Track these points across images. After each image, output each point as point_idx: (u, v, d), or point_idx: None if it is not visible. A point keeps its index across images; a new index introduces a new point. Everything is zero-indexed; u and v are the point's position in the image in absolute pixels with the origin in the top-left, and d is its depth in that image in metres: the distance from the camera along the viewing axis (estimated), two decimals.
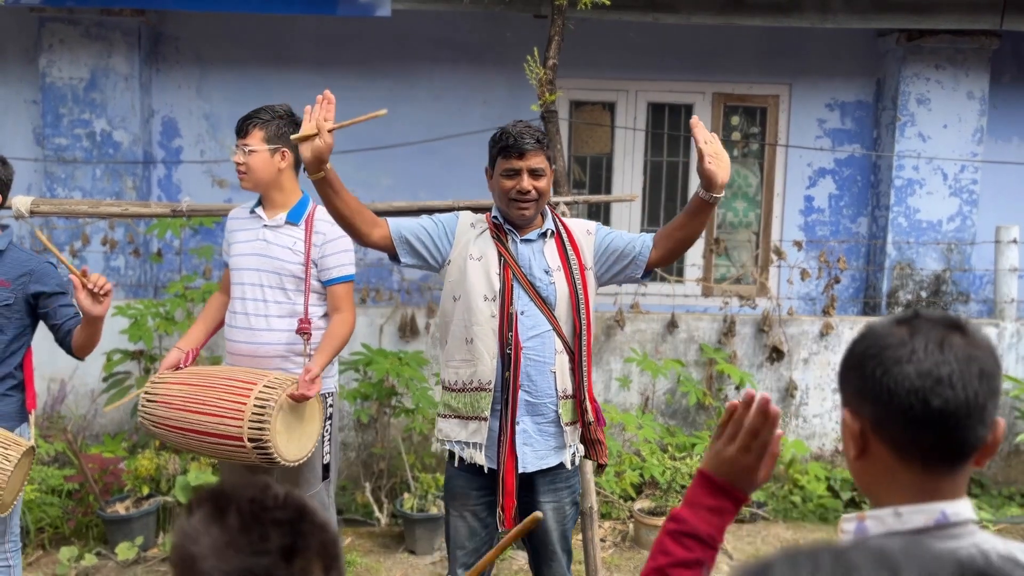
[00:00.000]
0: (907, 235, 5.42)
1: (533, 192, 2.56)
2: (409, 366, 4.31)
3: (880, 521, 1.11)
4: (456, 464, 2.64)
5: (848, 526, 1.15)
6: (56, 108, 5.13)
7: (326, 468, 3.00)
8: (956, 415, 1.08)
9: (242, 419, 2.62)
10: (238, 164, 2.95)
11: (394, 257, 2.59)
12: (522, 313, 2.56)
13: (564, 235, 2.67)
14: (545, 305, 2.58)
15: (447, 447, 2.66)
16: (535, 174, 2.57)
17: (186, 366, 2.99)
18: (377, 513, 4.36)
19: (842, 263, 5.23)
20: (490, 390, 2.56)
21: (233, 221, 3.10)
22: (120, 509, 3.93)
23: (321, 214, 2.98)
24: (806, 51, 5.51)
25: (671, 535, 1.22)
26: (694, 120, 2.45)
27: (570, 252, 2.64)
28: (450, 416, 2.65)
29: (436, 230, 2.63)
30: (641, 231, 5.53)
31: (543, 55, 3.94)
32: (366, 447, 4.77)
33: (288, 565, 0.91)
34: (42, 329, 2.88)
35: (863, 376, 1.11)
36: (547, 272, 2.61)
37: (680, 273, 5.62)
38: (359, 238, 2.54)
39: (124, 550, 3.76)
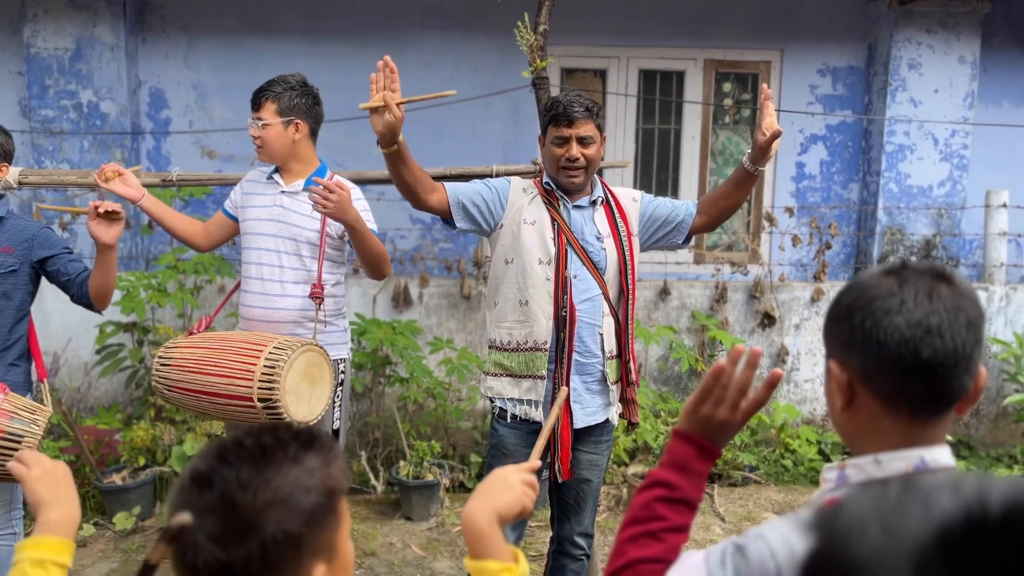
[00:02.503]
0: (898, 200, 5.44)
1: (582, 159, 2.62)
2: (403, 335, 4.32)
3: (860, 469, 1.12)
4: (508, 420, 2.71)
5: (830, 475, 1.16)
6: (42, 79, 5.08)
7: (336, 433, 3.02)
8: (945, 364, 1.08)
9: (252, 379, 2.64)
10: (254, 137, 2.94)
11: (447, 221, 2.66)
12: (575, 277, 2.64)
13: (612, 203, 2.75)
14: (596, 269, 2.66)
15: (497, 404, 2.72)
16: (584, 142, 2.63)
17: (199, 332, 2.99)
18: (373, 481, 4.40)
19: (833, 229, 5.25)
20: (545, 350, 2.64)
21: (249, 183, 3.10)
22: (117, 480, 3.95)
23: (338, 181, 2.96)
24: (798, 17, 5.49)
25: (663, 501, 1.22)
26: (767, 93, 2.53)
27: (619, 219, 2.72)
28: (502, 375, 2.72)
29: (490, 195, 2.69)
30: None
31: (534, 21, 3.90)
32: (361, 416, 4.80)
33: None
34: (37, 303, 2.88)
35: (851, 327, 1.11)
36: (598, 238, 2.68)
37: None
38: (418, 203, 2.61)
39: (122, 520, 3.79)
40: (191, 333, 2.98)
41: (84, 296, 2.79)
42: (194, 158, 5.38)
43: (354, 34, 5.34)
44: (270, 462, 0.96)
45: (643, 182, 5.64)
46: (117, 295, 4.31)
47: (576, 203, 2.70)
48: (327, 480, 0.98)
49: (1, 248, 2.75)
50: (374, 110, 2.34)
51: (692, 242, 2.96)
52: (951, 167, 5.44)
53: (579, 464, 2.75)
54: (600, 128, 2.69)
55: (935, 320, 1.08)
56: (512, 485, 1.28)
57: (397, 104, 2.32)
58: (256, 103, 2.95)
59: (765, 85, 2.57)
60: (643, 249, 2.82)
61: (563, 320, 2.61)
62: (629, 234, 2.73)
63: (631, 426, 2.89)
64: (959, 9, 5.25)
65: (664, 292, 5.08)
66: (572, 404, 2.67)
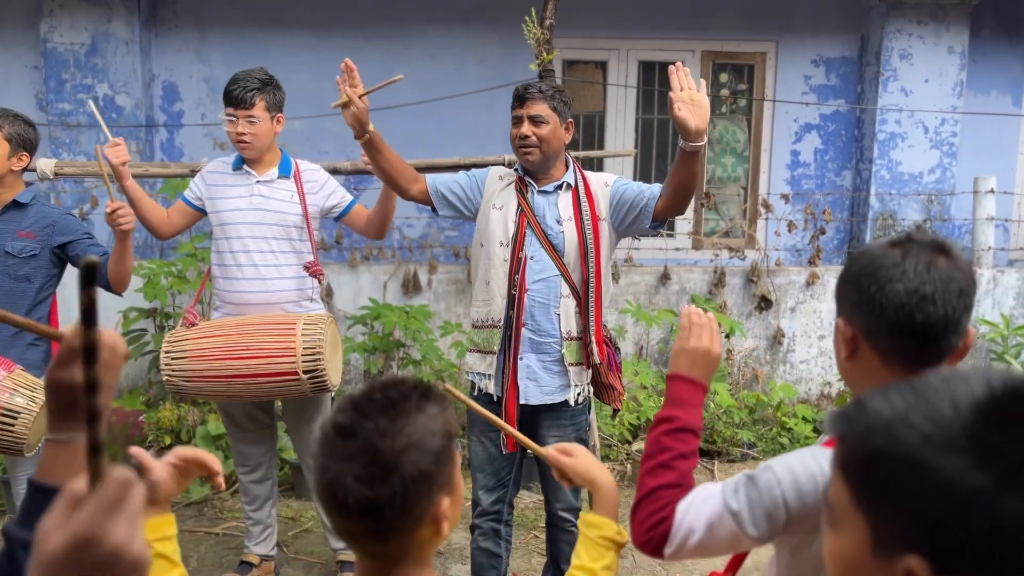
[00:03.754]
0: (889, 187, 5.62)
1: (533, 138, 2.72)
2: (415, 319, 4.49)
3: None
4: (475, 393, 2.87)
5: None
6: (58, 73, 5.21)
7: (334, 400, 3.22)
8: (935, 327, 1.26)
9: (294, 355, 2.84)
10: (241, 134, 3.05)
11: (434, 210, 2.84)
12: (531, 258, 2.76)
13: (582, 187, 2.83)
14: (555, 252, 2.77)
15: (470, 378, 2.90)
16: (535, 121, 2.73)
17: (197, 323, 3.12)
18: None
19: (827, 215, 5.43)
20: (500, 327, 2.78)
21: (215, 175, 3.22)
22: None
23: (304, 166, 3.23)
24: (792, 9, 5.65)
25: (667, 434, 1.40)
26: (675, 66, 2.42)
27: (584, 203, 2.80)
28: (474, 350, 2.89)
29: (469, 183, 2.85)
30: None
31: (540, 16, 4.06)
32: None
33: None
34: (60, 290, 3.04)
35: (859, 291, 1.29)
36: (558, 221, 2.78)
37: (671, 227, 5.80)
38: (401, 192, 2.79)
39: None
40: (189, 325, 3.10)
41: (103, 279, 2.94)
42: (206, 149, 5.52)
43: (360, 28, 5.49)
44: (401, 412, 1.11)
45: (643, 171, 5.81)
46: (139, 282, 4.47)
47: (542, 188, 2.81)
48: (446, 425, 1.14)
49: (24, 233, 2.92)
50: (344, 106, 2.56)
51: (663, 228, 3.00)
52: (941, 154, 5.62)
53: (547, 444, 2.83)
54: (557, 111, 2.76)
55: (929, 288, 1.26)
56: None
57: (360, 96, 2.54)
58: (247, 101, 3.05)
59: (679, 63, 2.45)
60: (619, 235, 2.87)
61: (513, 298, 2.74)
62: (595, 218, 2.79)
63: (614, 412, 2.99)
64: (948, 1, 5.42)
65: (664, 277, 5.25)
66: (525, 381, 2.78)
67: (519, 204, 2.79)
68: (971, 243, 5.54)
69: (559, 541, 2.98)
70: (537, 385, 2.80)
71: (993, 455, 0.72)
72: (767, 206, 5.30)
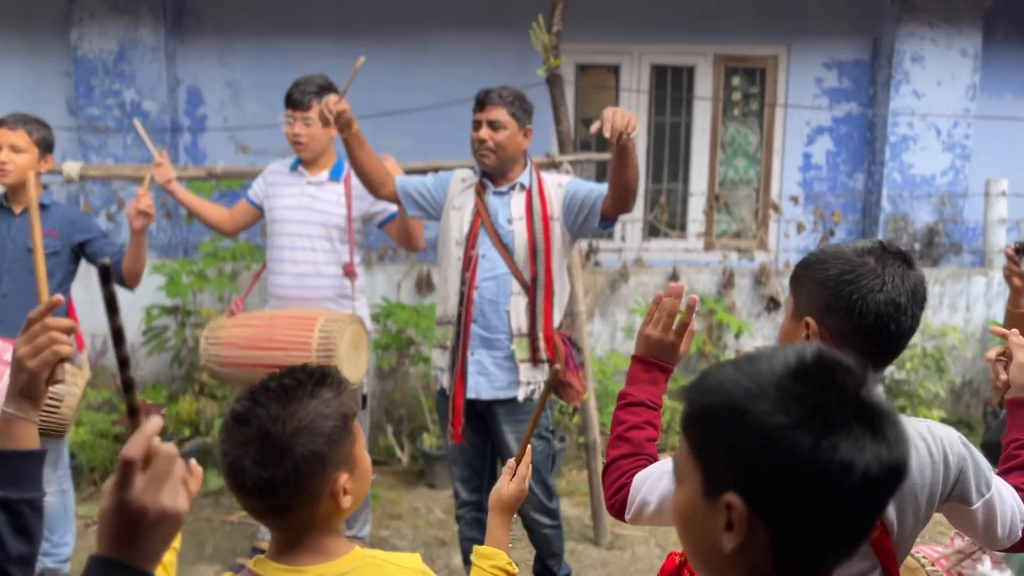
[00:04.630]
0: (901, 189, 5.64)
1: (489, 142, 2.84)
2: (426, 317, 4.61)
3: None
4: (439, 388, 3.01)
5: None
6: (88, 79, 5.41)
7: (365, 398, 3.35)
8: (903, 336, 1.39)
9: (310, 349, 2.99)
10: (297, 135, 3.24)
11: (404, 210, 3.01)
12: (483, 256, 2.87)
13: (536, 188, 2.91)
14: (506, 251, 2.87)
15: (435, 374, 3.04)
16: (493, 125, 2.85)
17: (239, 313, 3.32)
18: (399, 453, 4.70)
19: (836, 217, 5.48)
20: (452, 324, 2.90)
21: (274, 175, 3.46)
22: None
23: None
24: (804, 13, 5.70)
25: (621, 408, 1.54)
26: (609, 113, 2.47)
27: (536, 204, 2.89)
28: (437, 347, 3.04)
29: (434, 184, 3.00)
30: (645, 190, 5.78)
31: (548, 22, 4.17)
32: (387, 394, 5.10)
33: None
34: (85, 291, 3.22)
35: (837, 295, 1.37)
36: (509, 221, 2.89)
37: (682, 228, 5.87)
38: (373, 189, 2.96)
39: None
40: (231, 314, 3.30)
41: (117, 274, 3.13)
42: (228, 152, 5.69)
43: (379, 34, 5.62)
44: (292, 399, 1.22)
45: (655, 173, 5.89)
46: (161, 280, 4.64)
47: (497, 189, 2.93)
48: (340, 407, 1.25)
49: (47, 231, 3.10)
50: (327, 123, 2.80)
51: (612, 228, 3.08)
52: (953, 157, 5.63)
53: (506, 442, 2.90)
54: (516, 117, 2.86)
55: (903, 300, 1.37)
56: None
57: (339, 97, 2.78)
58: (303, 104, 3.25)
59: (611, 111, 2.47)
60: (573, 235, 2.95)
61: (462, 295, 2.85)
62: (546, 217, 2.87)
63: (574, 411, 3.09)
64: (961, 4, 5.44)
65: (673, 278, 5.33)
66: (476, 376, 2.87)
67: (475, 204, 2.90)
68: (983, 245, 5.56)
69: (537, 538, 3.08)
70: (488, 380, 2.88)
71: (793, 400, 0.85)
72: (776, 208, 5.35)
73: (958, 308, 5.40)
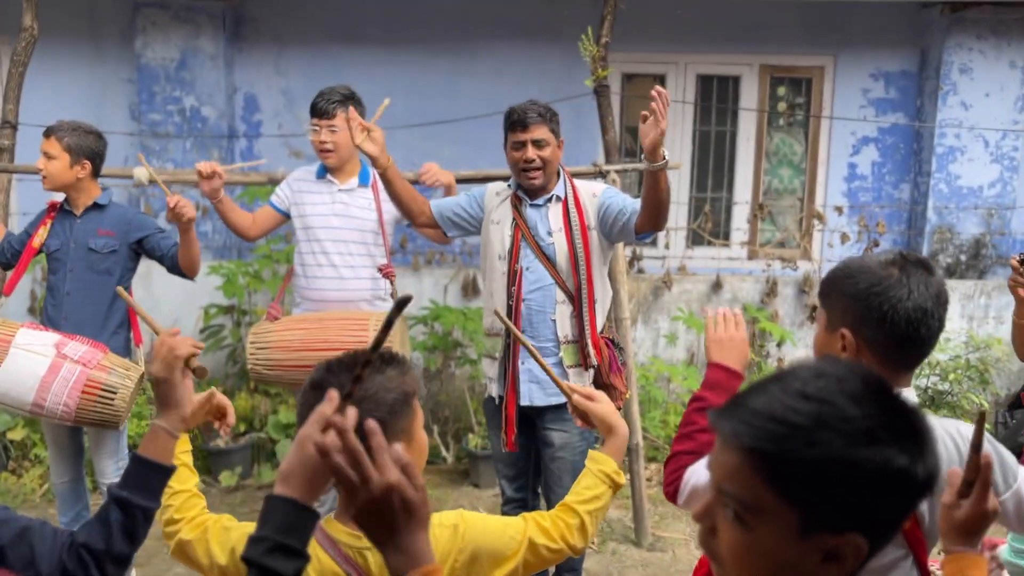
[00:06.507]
0: (948, 200, 5.63)
1: (537, 160, 2.92)
2: (473, 320, 4.73)
3: None
4: (487, 396, 3.13)
5: None
6: (150, 86, 5.62)
7: None
8: (933, 338, 1.48)
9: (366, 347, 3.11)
10: (324, 143, 3.36)
11: (444, 234, 3.09)
12: (527, 269, 2.96)
13: (572, 199, 2.99)
14: (548, 261, 2.96)
15: (485, 382, 3.15)
16: (538, 144, 2.92)
17: (279, 318, 3.43)
18: (444, 453, 4.82)
19: (881, 227, 5.49)
20: (500, 335, 3.01)
21: (300, 183, 3.55)
22: (220, 444, 4.44)
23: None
24: (851, 23, 5.72)
25: (695, 411, 1.65)
26: (656, 92, 2.57)
27: (573, 214, 2.97)
28: (486, 356, 3.14)
29: (469, 203, 3.09)
30: (689, 199, 5.84)
31: (596, 34, 4.26)
32: (433, 395, 5.22)
33: None
34: (145, 290, 3.37)
35: (868, 307, 1.46)
36: (549, 233, 2.97)
37: (726, 237, 5.92)
38: (412, 218, 3.06)
39: (226, 478, 4.28)
40: (273, 318, 3.42)
41: (176, 268, 3.29)
42: (282, 157, 5.86)
43: (429, 43, 5.76)
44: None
45: (699, 183, 5.94)
46: (219, 281, 4.82)
47: (534, 202, 3.00)
48: (403, 385, 1.39)
49: (105, 231, 3.28)
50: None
51: (649, 240, 3.21)
52: (1001, 168, 5.61)
53: (552, 443, 3.00)
54: (554, 132, 2.96)
55: (930, 305, 1.45)
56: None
57: (368, 129, 2.86)
58: (329, 112, 3.37)
59: (657, 88, 2.60)
60: (611, 242, 3.04)
61: (510, 308, 2.94)
62: (584, 228, 2.95)
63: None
64: (1010, 16, 5.42)
65: (717, 286, 5.38)
66: (528, 384, 2.96)
67: (514, 218, 2.99)
68: None
69: None
70: (540, 387, 2.97)
71: (905, 441, 0.89)
72: (820, 217, 5.38)
73: (1004, 320, 5.37)
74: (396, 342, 3.21)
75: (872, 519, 0.89)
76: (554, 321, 2.96)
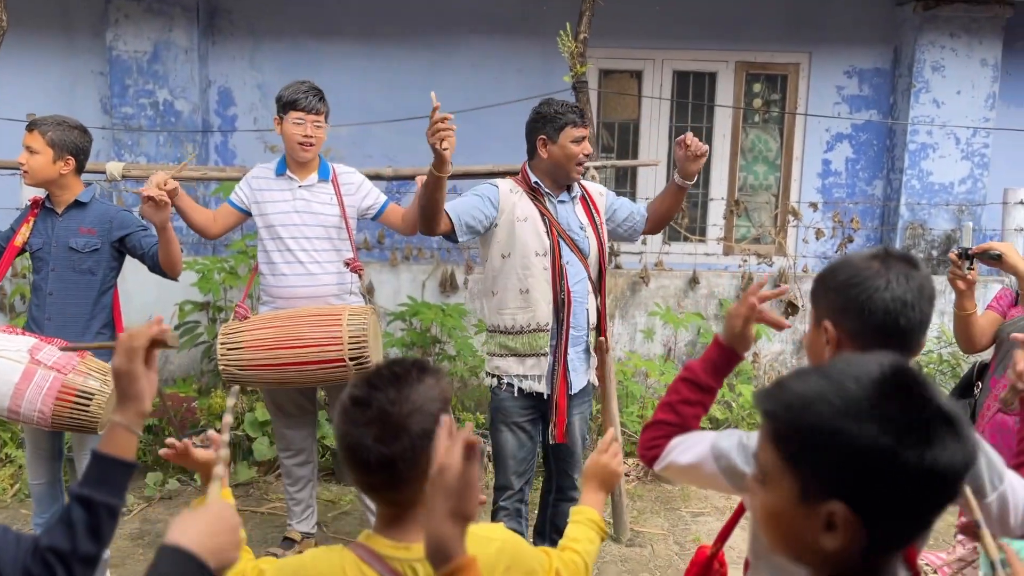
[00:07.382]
0: (920, 197, 5.70)
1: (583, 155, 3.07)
2: (451, 316, 4.72)
3: None
4: (514, 393, 3.07)
5: None
6: (122, 79, 5.54)
7: None
8: (914, 329, 1.49)
9: (341, 344, 3.10)
10: (308, 136, 3.32)
11: (450, 237, 2.98)
12: (567, 264, 3.04)
13: (588, 196, 3.17)
14: (582, 256, 3.08)
15: (504, 380, 3.07)
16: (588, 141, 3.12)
17: (249, 316, 3.38)
18: None
19: (855, 223, 5.54)
20: (547, 331, 3.03)
21: (260, 180, 3.48)
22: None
23: (341, 170, 3.49)
24: (826, 20, 5.77)
25: (682, 380, 1.67)
26: (685, 140, 3.04)
27: (593, 211, 3.16)
28: (507, 355, 3.07)
29: (482, 204, 3.03)
30: None
31: (574, 29, 4.26)
32: None
33: None
34: (127, 287, 3.31)
35: (847, 298, 1.49)
36: (581, 228, 3.10)
37: (702, 233, 5.95)
38: (433, 227, 2.92)
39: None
40: (242, 317, 3.36)
41: (158, 267, 3.21)
42: (257, 152, 5.81)
43: (407, 38, 5.73)
44: (405, 383, 1.36)
45: None
46: (193, 277, 4.76)
47: (559, 198, 3.08)
48: (441, 393, 1.40)
49: (87, 229, 3.20)
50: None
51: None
52: (972, 165, 5.69)
53: (573, 423, 3.17)
54: None
55: (910, 296, 1.47)
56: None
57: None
58: (316, 108, 3.34)
59: (688, 135, 3.05)
60: (610, 239, 3.27)
61: (562, 303, 3.02)
62: (601, 223, 3.18)
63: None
64: (982, 14, 5.49)
65: (693, 281, 5.41)
66: (572, 374, 3.08)
67: (542, 214, 3.03)
68: None
69: (568, 513, 3.18)
70: (577, 374, 3.11)
71: (891, 421, 0.95)
72: (795, 213, 5.43)
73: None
74: (371, 347, 3.20)
75: (860, 494, 0.95)
76: (587, 311, 3.13)
